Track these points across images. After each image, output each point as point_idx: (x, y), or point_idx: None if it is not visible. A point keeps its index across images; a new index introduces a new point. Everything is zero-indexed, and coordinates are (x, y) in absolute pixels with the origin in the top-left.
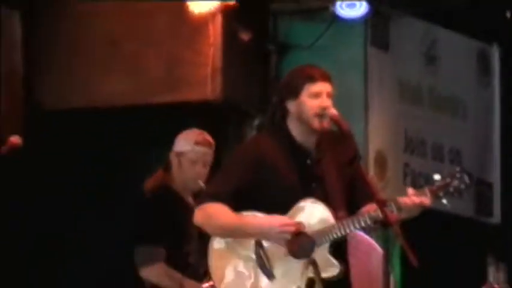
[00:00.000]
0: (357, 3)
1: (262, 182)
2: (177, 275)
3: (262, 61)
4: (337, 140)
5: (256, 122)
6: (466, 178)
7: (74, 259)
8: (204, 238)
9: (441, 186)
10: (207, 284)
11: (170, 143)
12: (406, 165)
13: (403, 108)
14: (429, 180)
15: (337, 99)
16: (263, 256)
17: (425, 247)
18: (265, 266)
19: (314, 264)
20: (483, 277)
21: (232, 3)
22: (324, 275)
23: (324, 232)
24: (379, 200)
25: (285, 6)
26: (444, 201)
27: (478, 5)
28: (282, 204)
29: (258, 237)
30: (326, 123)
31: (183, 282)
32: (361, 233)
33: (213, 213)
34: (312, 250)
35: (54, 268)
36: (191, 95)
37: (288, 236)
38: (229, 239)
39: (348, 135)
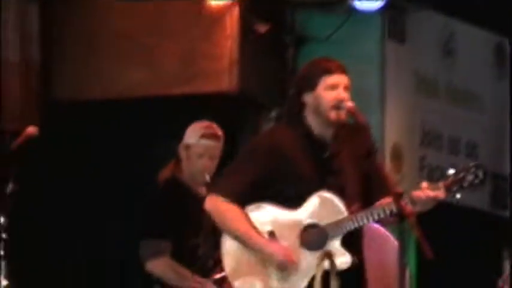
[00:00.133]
0: None
1: (278, 172)
2: (182, 269)
3: (279, 53)
4: (354, 132)
5: (272, 114)
6: (481, 173)
7: (86, 250)
8: (215, 230)
9: (455, 181)
10: (218, 275)
11: None
12: (422, 158)
13: (420, 101)
14: (445, 174)
15: (353, 91)
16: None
17: (440, 240)
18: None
19: (330, 256)
20: (498, 270)
21: None
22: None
23: (337, 224)
24: (395, 192)
25: None
26: (458, 195)
27: None
28: (297, 196)
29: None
30: (343, 116)
31: (187, 276)
32: (377, 225)
33: (224, 214)
34: (324, 242)
35: (65, 255)
36: (208, 87)
37: (285, 269)
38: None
39: (365, 128)
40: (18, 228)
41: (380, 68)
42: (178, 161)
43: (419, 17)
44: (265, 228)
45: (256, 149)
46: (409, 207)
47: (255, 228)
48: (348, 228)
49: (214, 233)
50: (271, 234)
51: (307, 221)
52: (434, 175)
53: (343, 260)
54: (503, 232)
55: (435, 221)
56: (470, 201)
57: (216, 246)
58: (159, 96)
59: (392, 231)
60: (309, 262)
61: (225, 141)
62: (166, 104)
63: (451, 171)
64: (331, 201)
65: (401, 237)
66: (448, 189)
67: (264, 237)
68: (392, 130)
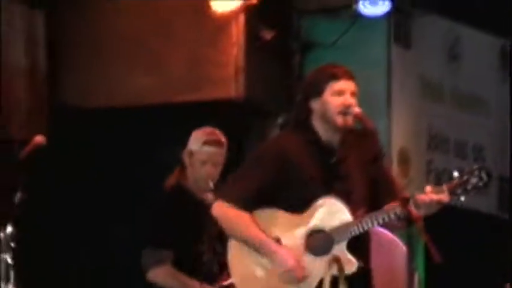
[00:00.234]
0: (380, 1)
1: (284, 178)
2: (184, 277)
3: (285, 60)
4: (361, 138)
5: (279, 120)
6: (485, 175)
7: (92, 257)
8: (220, 236)
9: (459, 184)
10: (225, 283)
11: None
12: (429, 162)
13: (426, 105)
14: (452, 177)
15: (360, 97)
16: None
17: (448, 244)
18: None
19: (338, 261)
20: (506, 274)
21: (254, 1)
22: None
23: (342, 229)
24: (402, 197)
25: (308, 5)
26: (462, 198)
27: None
28: (303, 201)
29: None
30: (350, 121)
31: (190, 284)
32: (384, 230)
33: (232, 219)
34: (330, 247)
35: (71, 262)
36: (214, 94)
37: (292, 280)
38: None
39: (372, 133)
40: (24, 235)
41: (386, 73)
42: (183, 167)
43: (425, 21)
44: (272, 233)
45: (262, 155)
46: (417, 212)
47: (263, 233)
48: (354, 233)
49: (219, 239)
50: (278, 240)
51: (313, 226)
52: (441, 179)
53: (349, 264)
54: (510, 235)
55: (442, 225)
56: (477, 204)
57: (222, 252)
58: (165, 103)
59: (400, 236)
60: (314, 267)
61: (231, 148)
62: (172, 110)
63: (456, 174)
64: (337, 206)
65: (409, 241)
66: (452, 192)
67: (272, 242)
68: (399, 135)
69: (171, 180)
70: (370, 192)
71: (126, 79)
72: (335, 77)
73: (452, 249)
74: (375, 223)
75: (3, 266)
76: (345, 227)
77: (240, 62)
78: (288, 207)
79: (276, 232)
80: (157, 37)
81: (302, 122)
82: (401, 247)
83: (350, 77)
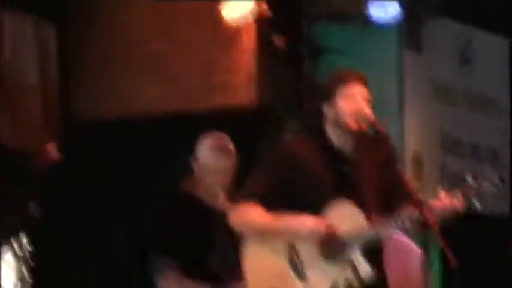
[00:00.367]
0: (390, 5)
1: (296, 183)
2: (190, 285)
3: (296, 66)
4: (374, 143)
5: (291, 126)
6: (497, 180)
7: (108, 268)
8: (231, 242)
9: (472, 189)
10: None
11: None
12: (443, 165)
13: (439, 108)
14: (465, 182)
15: (372, 101)
16: (295, 257)
17: (463, 248)
18: (297, 268)
19: (352, 265)
20: None
21: (265, 8)
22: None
23: (356, 234)
24: (417, 201)
25: (319, 11)
26: (476, 203)
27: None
28: (315, 206)
29: (290, 237)
30: (362, 125)
31: None
32: (400, 234)
33: (247, 214)
34: (343, 251)
35: (84, 274)
36: (226, 101)
37: (319, 237)
38: (263, 241)
39: (385, 137)
40: (39, 249)
41: (398, 77)
42: (193, 175)
43: (436, 25)
44: None
45: (274, 160)
46: (432, 216)
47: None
48: (367, 238)
49: (234, 247)
50: (291, 244)
51: (332, 228)
52: (455, 182)
53: (363, 270)
54: None
55: (458, 229)
56: (491, 208)
57: (236, 261)
58: (178, 112)
59: (415, 240)
60: (327, 272)
61: (244, 154)
62: (185, 119)
63: (469, 179)
64: (351, 211)
65: (424, 246)
66: (466, 197)
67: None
68: (412, 138)
69: (181, 188)
70: (384, 198)
71: (138, 89)
72: (346, 82)
73: (468, 254)
74: (390, 228)
75: (19, 275)
76: (359, 232)
77: (251, 69)
78: (300, 212)
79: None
80: (168, 45)
81: (314, 128)
82: (417, 251)
83: (362, 81)
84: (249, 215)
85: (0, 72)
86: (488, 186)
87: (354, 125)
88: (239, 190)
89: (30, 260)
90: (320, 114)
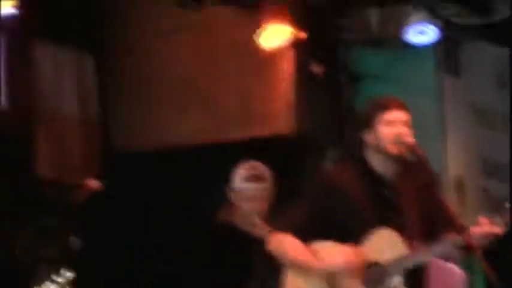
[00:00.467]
0: (427, 29)
1: (336, 211)
2: None
3: (334, 93)
4: (415, 168)
5: (331, 154)
6: None
7: None
8: (270, 270)
9: (507, 215)
10: None
11: None
12: (485, 189)
13: (479, 132)
14: (504, 208)
15: (412, 126)
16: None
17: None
18: None
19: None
20: None
21: (302, 35)
22: None
23: (397, 262)
24: (459, 226)
25: (356, 36)
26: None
27: None
28: (357, 234)
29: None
30: (403, 150)
31: None
32: (442, 261)
33: (287, 246)
34: (384, 280)
35: None
36: (265, 130)
37: (353, 268)
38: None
39: (425, 162)
40: (80, 281)
41: (437, 101)
42: (230, 204)
43: (473, 48)
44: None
45: (314, 188)
46: (475, 240)
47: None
48: (409, 265)
49: (274, 275)
50: (332, 276)
51: (369, 257)
52: (497, 206)
53: None
54: None
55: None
56: None
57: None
58: (216, 142)
59: (458, 264)
60: None
61: (285, 182)
62: (223, 149)
63: (508, 205)
64: (392, 238)
65: (468, 270)
66: (505, 223)
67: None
68: (453, 162)
69: (219, 218)
70: (425, 223)
71: (178, 119)
72: (386, 108)
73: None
74: (431, 255)
75: None
76: (400, 259)
77: (289, 97)
78: (341, 240)
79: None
80: (207, 75)
81: (355, 155)
82: (460, 274)
83: (401, 107)
84: (285, 247)
85: (39, 102)
86: None
87: (394, 150)
88: (279, 218)
89: None
90: (360, 141)
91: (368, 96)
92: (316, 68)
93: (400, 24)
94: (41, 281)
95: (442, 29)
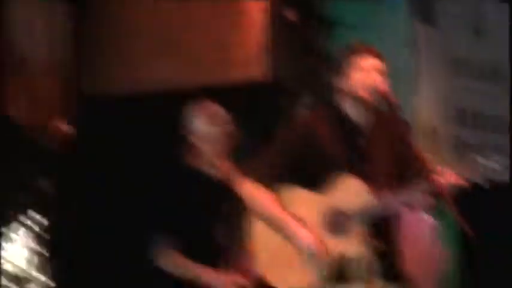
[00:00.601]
0: None
1: (309, 157)
2: (190, 263)
3: (308, 39)
4: (388, 117)
5: (305, 100)
6: (503, 160)
7: (117, 248)
8: (236, 213)
9: (476, 167)
10: (245, 267)
11: None
12: (457, 137)
13: (453, 81)
14: (480, 152)
15: (386, 75)
16: None
17: (478, 218)
18: None
19: (360, 240)
20: None
21: None
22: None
23: (361, 209)
24: (428, 171)
25: None
26: (481, 180)
27: None
28: (326, 180)
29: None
30: (375, 97)
31: (202, 272)
32: (412, 207)
33: (258, 197)
34: (350, 226)
35: (99, 247)
36: (239, 76)
37: (314, 260)
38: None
39: (398, 111)
40: (52, 224)
41: (411, 50)
42: (192, 147)
43: None
44: (293, 211)
45: (288, 132)
46: (445, 186)
47: (287, 212)
48: (375, 214)
49: (236, 217)
50: (299, 219)
51: (334, 204)
52: (469, 153)
53: (369, 245)
54: None
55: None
56: (503, 176)
57: (241, 235)
58: (189, 88)
59: (428, 212)
60: (333, 246)
61: (258, 129)
62: (196, 95)
63: (478, 159)
64: (357, 186)
65: (437, 217)
66: (472, 174)
67: (295, 223)
68: (426, 111)
69: (183, 161)
70: (397, 172)
71: (148, 65)
72: (361, 54)
73: (483, 223)
74: (399, 203)
75: (32, 251)
76: (365, 208)
77: (263, 43)
78: (311, 185)
79: (297, 210)
80: (179, 21)
81: (328, 101)
82: (431, 223)
83: (375, 54)
84: (257, 196)
85: (14, 52)
86: (494, 167)
87: (367, 96)
88: (251, 162)
89: (44, 235)
90: (333, 87)
91: (342, 44)
92: (290, 14)
93: None
94: (8, 222)
95: None
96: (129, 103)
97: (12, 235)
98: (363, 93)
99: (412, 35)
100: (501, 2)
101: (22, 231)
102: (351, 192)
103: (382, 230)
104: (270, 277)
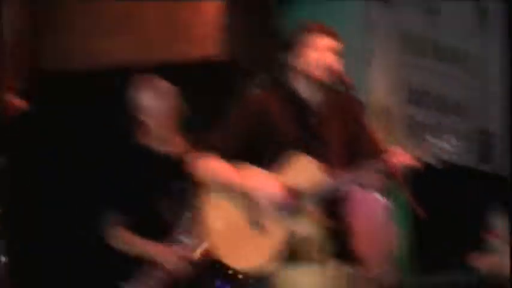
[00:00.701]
0: None
1: (261, 135)
2: (137, 240)
3: (263, 17)
4: (341, 96)
5: (258, 78)
6: (454, 141)
7: (68, 224)
8: (185, 190)
9: (428, 148)
10: (195, 245)
11: None
12: (411, 117)
13: (406, 60)
14: (433, 132)
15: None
16: (254, 209)
17: (430, 198)
18: (254, 217)
19: (312, 219)
20: (488, 226)
21: None
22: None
23: (314, 188)
24: (381, 151)
25: None
26: (433, 161)
27: None
28: (278, 159)
29: (251, 196)
30: (329, 76)
31: (148, 247)
32: (365, 187)
33: (211, 166)
34: (298, 206)
35: (51, 224)
36: (192, 52)
37: (276, 203)
38: (222, 191)
39: (351, 90)
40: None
41: (365, 28)
42: (142, 125)
43: None
44: None
45: (241, 110)
46: (397, 167)
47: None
48: (326, 192)
49: (186, 193)
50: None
51: (284, 183)
52: (422, 133)
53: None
54: (491, 188)
55: (423, 179)
56: (457, 158)
57: (190, 211)
58: (144, 66)
59: (380, 192)
60: (285, 223)
61: (211, 106)
62: (151, 71)
63: (428, 137)
64: (309, 165)
65: (389, 196)
66: (424, 155)
67: (255, 179)
68: (379, 90)
69: (132, 139)
70: (350, 152)
71: (103, 40)
72: (315, 33)
73: (435, 204)
74: (351, 182)
75: None
76: (316, 187)
77: (218, 20)
78: (264, 164)
79: None
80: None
81: (282, 80)
82: (383, 203)
83: (329, 33)
84: (213, 168)
85: None
86: (445, 147)
87: (320, 76)
88: (203, 140)
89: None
90: (287, 66)
91: (295, 20)
92: None
93: None
94: None
95: None
96: (83, 79)
97: None
98: (317, 72)
99: (365, 12)
100: None
101: None
102: (303, 172)
103: (334, 209)
104: (221, 255)
